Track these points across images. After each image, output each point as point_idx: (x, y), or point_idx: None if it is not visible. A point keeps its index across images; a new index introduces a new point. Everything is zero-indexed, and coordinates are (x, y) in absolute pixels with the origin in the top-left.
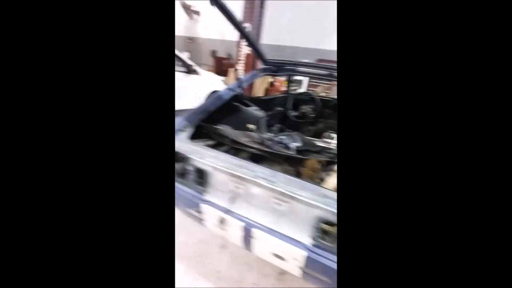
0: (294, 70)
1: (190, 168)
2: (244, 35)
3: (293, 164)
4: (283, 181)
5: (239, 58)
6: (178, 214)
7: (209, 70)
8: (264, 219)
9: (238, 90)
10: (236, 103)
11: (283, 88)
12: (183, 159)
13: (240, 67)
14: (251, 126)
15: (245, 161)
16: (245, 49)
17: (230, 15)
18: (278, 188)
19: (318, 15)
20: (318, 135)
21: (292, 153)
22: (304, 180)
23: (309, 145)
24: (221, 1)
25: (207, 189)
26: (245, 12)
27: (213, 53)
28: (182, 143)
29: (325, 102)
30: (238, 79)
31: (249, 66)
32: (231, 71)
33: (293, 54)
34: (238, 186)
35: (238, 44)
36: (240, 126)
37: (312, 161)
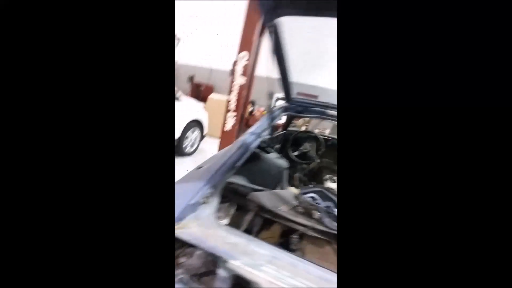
0: (322, 113)
1: (222, 273)
2: (282, 68)
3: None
4: None
5: (232, 89)
6: None
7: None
8: None
9: (265, 135)
10: (257, 150)
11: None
12: (212, 258)
13: (233, 98)
14: (293, 189)
15: (329, 270)
16: (239, 80)
17: (279, 48)
18: None
19: (308, 49)
20: (315, 176)
21: None
22: None
23: None
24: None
25: None
26: (243, 39)
27: (191, 78)
28: (209, 229)
29: (319, 140)
30: (270, 119)
31: (242, 98)
32: (210, 99)
33: (274, 86)
34: None
35: (232, 74)
36: (262, 180)
37: None
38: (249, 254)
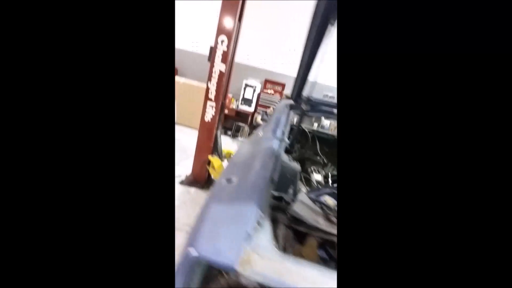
0: (330, 112)
1: None
2: (310, 58)
3: None
4: None
5: (212, 76)
6: None
7: None
8: None
9: (285, 138)
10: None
11: (232, 106)
12: None
13: (212, 86)
14: (330, 201)
15: None
16: (219, 67)
17: (321, 33)
18: None
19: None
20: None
21: None
22: None
23: None
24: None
25: None
26: (221, 20)
27: None
28: (275, 262)
29: (305, 132)
30: (285, 120)
31: (222, 86)
32: (177, 83)
33: (243, 72)
34: None
35: (212, 59)
36: (278, 184)
37: None
38: None
